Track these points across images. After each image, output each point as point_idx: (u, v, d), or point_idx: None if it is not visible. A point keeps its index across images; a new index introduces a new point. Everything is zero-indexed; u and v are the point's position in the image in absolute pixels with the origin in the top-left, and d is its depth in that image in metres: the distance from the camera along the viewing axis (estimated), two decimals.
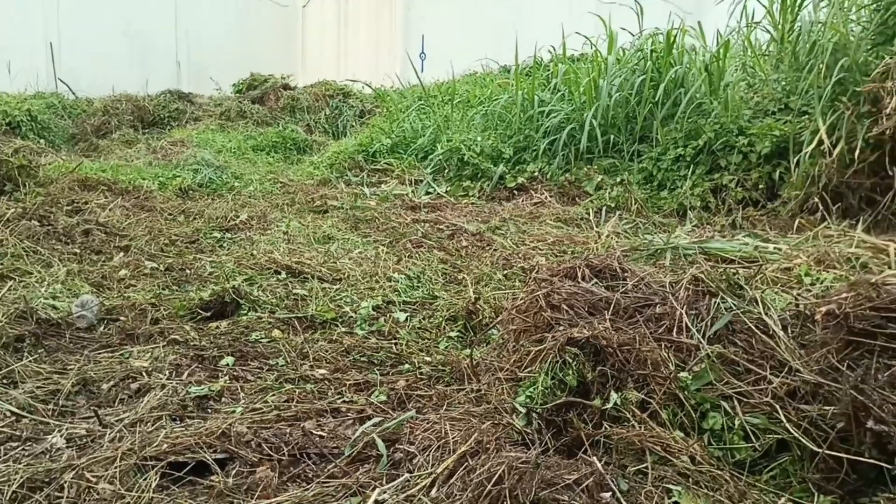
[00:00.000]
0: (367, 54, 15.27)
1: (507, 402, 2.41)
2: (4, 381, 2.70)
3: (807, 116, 5.25)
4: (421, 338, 3.26)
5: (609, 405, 2.21)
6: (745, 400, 2.23)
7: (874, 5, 5.06)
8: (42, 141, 9.12)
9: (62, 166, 6.68)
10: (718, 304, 2.57)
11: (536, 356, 2.49)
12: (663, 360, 2.35)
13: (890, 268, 3.29)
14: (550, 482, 1.79)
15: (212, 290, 3.54)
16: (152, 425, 2.33)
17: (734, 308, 2.54)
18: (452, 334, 3.27)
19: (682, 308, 2.54)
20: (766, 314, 2.51)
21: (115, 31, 15.15)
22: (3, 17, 13.77)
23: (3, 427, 2.37)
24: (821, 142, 4.80)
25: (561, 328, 2.54)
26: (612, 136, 6.15)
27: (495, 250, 4.58)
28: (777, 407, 2.14)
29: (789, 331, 2.47)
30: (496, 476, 1.84)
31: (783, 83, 5.84)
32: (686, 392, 2.23)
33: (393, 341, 3.19)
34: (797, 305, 2.69)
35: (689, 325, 2.48)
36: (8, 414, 2.46)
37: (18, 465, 2.09)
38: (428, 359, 3.00)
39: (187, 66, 15.99)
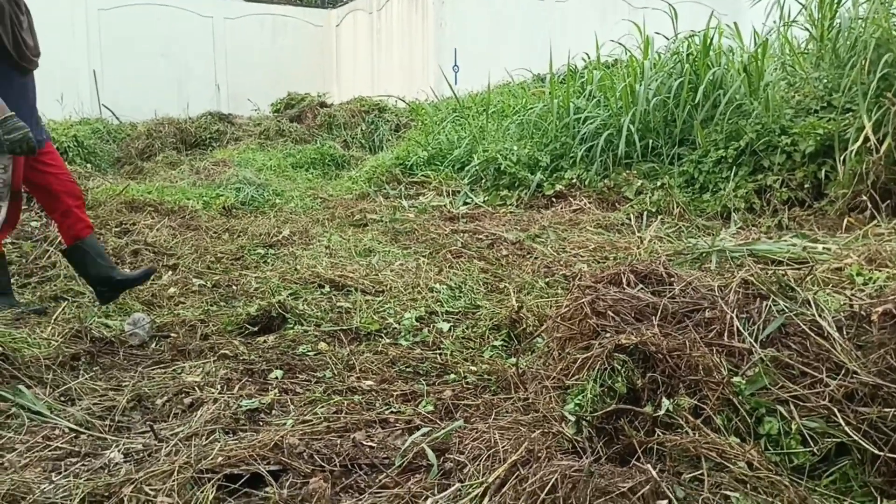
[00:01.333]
0: (400, 69, 15.41)
1: (555, 411, 2.39)
2: (62, 398, 2.77)
3: (851, 114, 5.15)
4: (465, 347, 3.26)
5: (661, 412, 2.18)
6: (801, 404, 2.18)
7: None
8: (88, 165, 9.40)
9: (109, 189, 6.88)
10: (770, 306, 2.52)
11: (584, 363, 2.46)
12: (715, 365, 2.31)
13: None
14: (605, 490, 1.77)
15: (258, 306, 3.60)
16: (206, 439, 2.37)
17: (786, 310, 2.49)
18: (497, 343, 3.26)
19: (733, 312, 2.50)
20: (820, 316, 2.45)
21: (156, 58, 15.58)
22: (49, 45, 14.22)
23: (62, 443, 2.43)
24: (867, 139, 4.70)
25: (608, 335, 2.51)
26: (650, 141, 6.10)
27: (536, 258, 4.56)
28: (835, 410, 2.09)
29: (844, 332, 2.41)
30: (549, 485, 1.82)
31: (825, 81, 5.73)
32: (740, 397, 2.19)
33: (437, 351, 3.20)
34: (851, 306, 2.63)
35: (741, 328, 2.44)
36: (66, 430, 2.52)
37: (79, 480, 2.14)
38: (473, 368, 3.00)
39: (226, 87, 16.37)
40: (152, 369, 3.05)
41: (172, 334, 3.41)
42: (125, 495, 2.01)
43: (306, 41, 17.72)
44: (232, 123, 11.60)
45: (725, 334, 2.45)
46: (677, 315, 2.59)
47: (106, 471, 2.22)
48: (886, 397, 2.07)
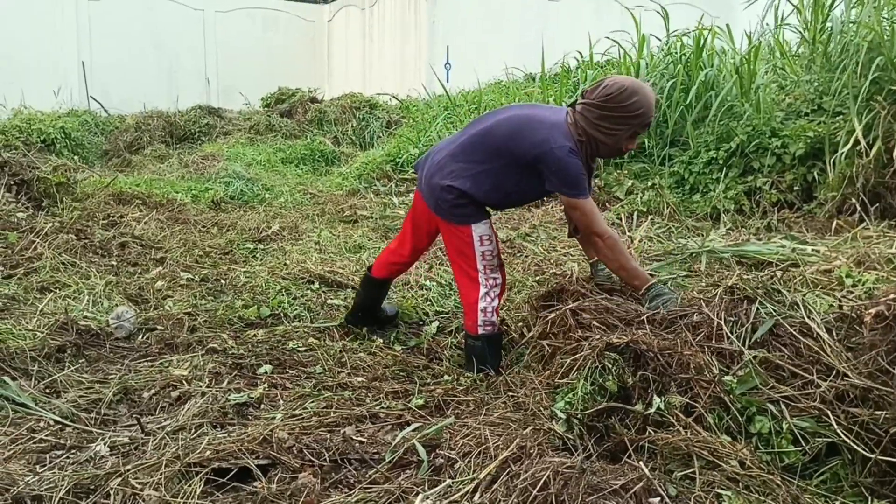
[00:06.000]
0: (392, 66, 15.37)
1: (545, 409, 2.38)
2: (47, 390, 2.74)
3: (841, 117, 5.17)
4: (456, 347, 3.24)
5: (652, 409, 2.17)
6: (792, 404, 2.18)
7: None
8: (76, 157, 9.30)
9: (97, 182, 6.80)
10: (757, 309, 2.52)
11: (573, 364, 2.46)
12: (706, 364, 2.31)
13: None
14: (597, 487, 1.76)
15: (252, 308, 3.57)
16: (194, 432, 2.35)
17: (773, 313, 2.49)
18: None
19: (720, 317, 2.49)
20: (809, 317, 2.45)
21: (146, 50, 15.46)
22: (38, 37, 14.10)
23: (47, 436, 2.40)
24: (857, 142, 4.71)
25: (597, 336, 2.51)
26: (641, 141, 6.10)
27: (526, 257, 4.55)
28: (826, 411, 2.09)
29: (834, 334, 2.41)
30: (541, 481, 1.81)
31: (816, 84, 5.75)
32: (731, 396, 2.19)
33: (429, 356, 3.19)
34: (840, 307, 2.63)
35: (729, 332, 2.43)
36: (52, 423, 2.49)
37: (64, 473, 2.11)
38: (463, 369, 2.99)
39: (216, 81, 16.27)
40: (139, 362, 3.02)
41: (159, 327, 3.38)
42: (111, 488, 1.99)
43: (298, 36, 17.64)
44: (222, 117, 11.52)
45: (714, 338, 2.45)
46: (664, 321, 2.58)
47: (92, 464, 2.19)
48: (877, 399, 2.08)
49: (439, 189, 2.83)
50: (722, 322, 2.45)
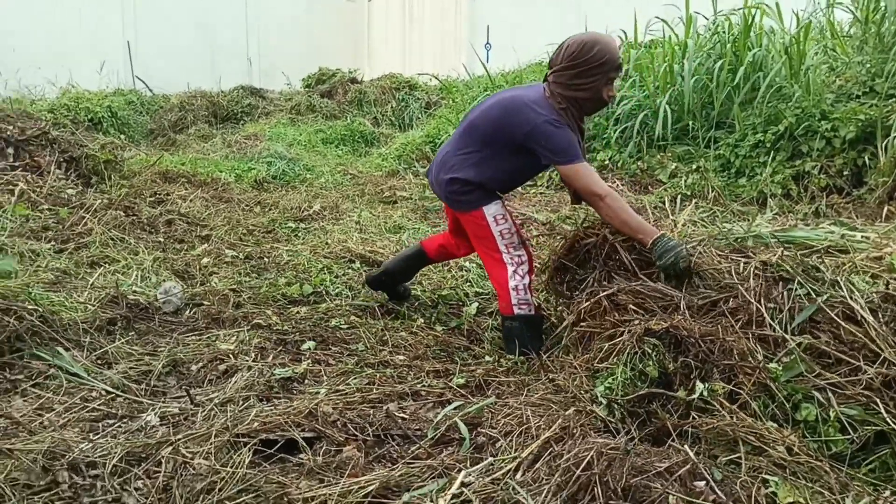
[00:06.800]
0: (432, 46, 15.31)
1: (585, 392, 2.38)
2: (99, 361, 2.82)
3: (894, 100, 5.01)
4: (496, 329, 3.25)
5: (696, 395, 2.15)
6: (838, 391, 2.14)
7: None
8: (122, 136, 9.49)
9: (143, 160, 6.94)
10: (795, 290, 2.46)
11: (612, 349, 2.44)
12: (750, 351, 2.27)
13: None
14: (641, 469, 1.76)
15: (295, 286, 3.62)
16: (241, 405, 2.40)
17: (812, 294, 2.42)
18: None
19: (757, 299, 2.42)
20: (852, 298, 2.37)
21: (189, 29, 15.61)
22: (84, 17, 14.35)
23: (99, 405, 2.47)
24: None
25: (635, 322, 2.48)
26: (686, 123, 5.99)
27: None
28: (875, 398, 2.05)
29: (880, 316, 2.34)
30: (584, 461, 1.81)
31: (868, 66, 5.57)
32: (776, 383, 2.15)
33: (469, 337, 3.21)
34: (888, 285, 2.54)
35: (770, 319, 2.37)
36: (103, 392, 2.57)
37: (117, 441, 2.18)
38: (504, 351, 3.00)
39: (258, 62, 16.38)
40: (187, 336, 3.09)
41: (206, 303, 3.45)
42: (163, 456, 2.05)
43: (339, 16, 17.64)
44: (263, 98, 11.62)
45: (754, 323, 2.40)
46: (703, 307, 2.53)
47: (143, 432, 2.25)
48: None
49: (446, 183, 2.96)
50: (762, 307, 2.40)
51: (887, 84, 5.16)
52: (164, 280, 3.68)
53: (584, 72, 2.73)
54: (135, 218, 4.74)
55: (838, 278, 2.43)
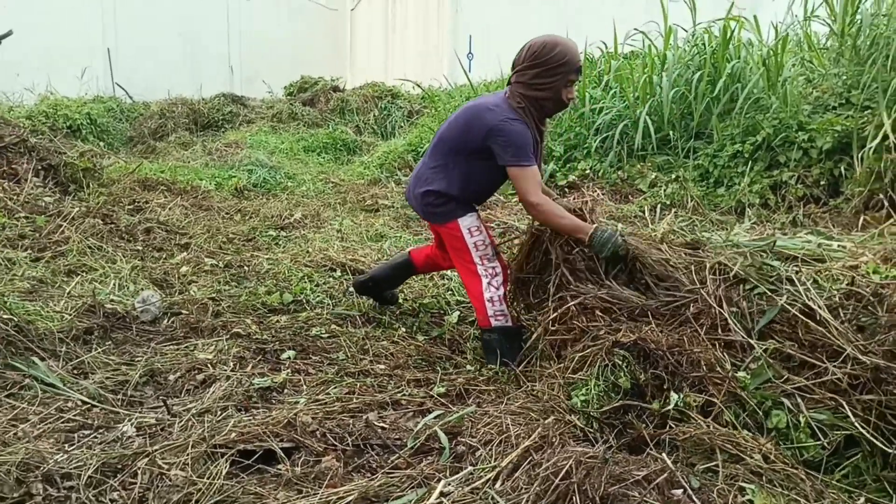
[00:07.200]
0: (414, 55, 15.34)
1: (562, 402, 2.38)
2: (75, 371, 2.78)
3: (870, 111, 5.09)
4: (477, 339, 3.25)
5: (671, 406, 2.17)
6: (807, 395, 2.16)
7: None
8: (101, 143, 9.41)
9: (123, 167, 6.88)
10: (753, 291, 2.49)
11: (584, 360, 2.46)
12: (717, 360, 2.29)
13: None
14: (620, 478, 1.77)
15: (275, 294, 3.60)
16: (219, 415, 2.38)
17: (767, 293, 2.45)
18: None
19: (719, 303, 2.45)
20: (809, 298, 2.40)
21: (170, 37, 15.54)
22: (64, 24, 14.24)
23: (75, 416, 2.44)
24: (885, 136, 4.65)
25: (602, 331, 2.50)
26: (666, 133, 6.05)
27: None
28: (842, 401, 2.06)
29: (841, 314, 2.37)
30: (563, 470, 1.82)
31: (844, 77, 5.66)
32: (746, 392, 2.18)
33: (451, 347, 3.20)
34: (852, 284, 2.56)
35: (732, 322, 2.39)
36: (79, 403, 2.53)
37: (92, 452, 2.15)
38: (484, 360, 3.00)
39: (239, 69, 16.34)
40: (165, 345, 3.06)
41: (184, 312, 3.42)
42: (139, 467, 2.02)
43: (321, 24, 17.66)
44: (245, 105, 11.58)
45: (719, 328, 2.43)
46: (667, 313, 2.56)
47: (119, 443, 2.23)
48: (892, 383, 2.05)
49: (421, 196, 3.01)
50: (725, 311, 2.42)
51: (863, 95, 5.25)
52: (142, 289, 3.65)
53: (545, 72, 2.79)
54: (113, 226, 4.69)
55: (793, 276, 2.46)
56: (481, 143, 2.83)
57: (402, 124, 10.44)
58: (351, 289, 3.72)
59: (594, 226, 2.76)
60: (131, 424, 2.37)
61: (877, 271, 3.33)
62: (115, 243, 4.44)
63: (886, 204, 4.49)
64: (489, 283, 2.94)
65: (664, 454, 1.93)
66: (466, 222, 2.97)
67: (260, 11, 16.70)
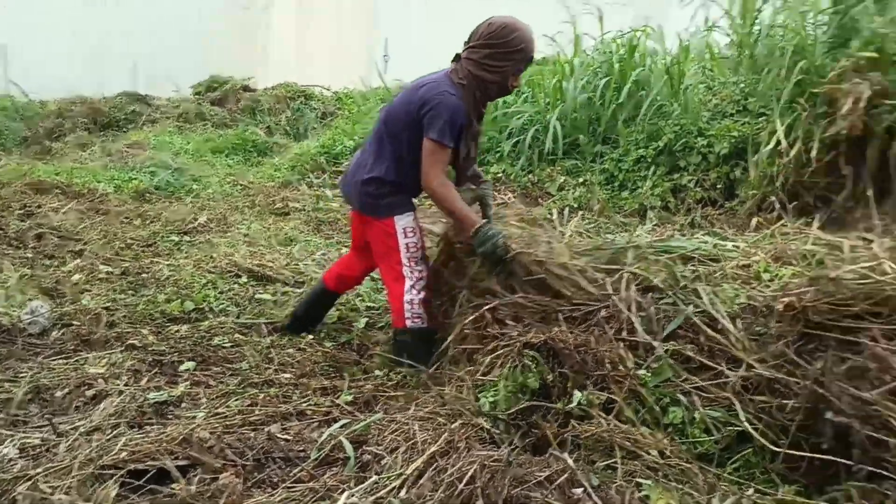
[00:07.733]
0: (329, 56, 15.13)
1: (471, 406, 2.38)
2: None
3: (765, 118, 5.35)
4: (386, 344, 3.22)
5: (573, 405, 2.21)
6: (703, 395, 2.25)
7: (832, 9, 5.17)
8: None
9: (14, 170, 6.49)
10: (663, 299, 2.57)
11: (494, 362, 2.47)
12: (621, 359, 2.35)
13: (845, 263, 3.35)
14: (522, 480, 1.78)
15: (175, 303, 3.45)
16: (110, 433, 2.25)
17: (673, 299, 2.55)
18: None
19: (629, 308, 2.52)
20: (714, 309, 2.51)
21: (68, 32, 14.77)
22: None
23: None
24: (778, 142, 4.89)
25: (515, 332, 2.53)
26: (575, 138, 6.19)
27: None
28: (735, 401, 2.16)
29: (739, 324, 2.48)
30: (468, 475, 1.81)
31: (741, 85, 5.95)
32: (646, 388, 2.24)
33: (360, 352, 3.16)
34: (749, 299, 2.70)
35: (637, 326, 2.47)
36: None
37: None
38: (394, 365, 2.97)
39: (144, 67, 15.65)
40: (53, 359, 2.88)
41: (76, 323, 3.24)
42: (19, 493, 1.89)
43: (233, 23, 17.11)
44: (149, 104, 11.12)
45: (627, 331, 2.49)
46: (579, 317, 2.61)
47: None
48: (783, 389, 2.16)
49: (361, 184, 2.91)
50: (633, 316, 2.49)
51: (758, 103, 5.51)
52: (30, 299, 3.43)
53: (498, 54, 2.75)
54: (1, 232, 4.41)
55: (698, 288, 2.55)
56: (416, 116, 2.76)
57: (316, 126, 10.27)
58: (257, 295, 3.61)
59: (483, 221, 2.79)
60: (13, 446, 2.21)
61: (767, 270, 3.51)
62: (3, 251, 4.18)
63: (777, 206, 4.73)
64: (412, 286, 2.90)
65: (566, 454, 1.95)
66: (403, 222, 2.90)
67: (167, 9, 16.09)
